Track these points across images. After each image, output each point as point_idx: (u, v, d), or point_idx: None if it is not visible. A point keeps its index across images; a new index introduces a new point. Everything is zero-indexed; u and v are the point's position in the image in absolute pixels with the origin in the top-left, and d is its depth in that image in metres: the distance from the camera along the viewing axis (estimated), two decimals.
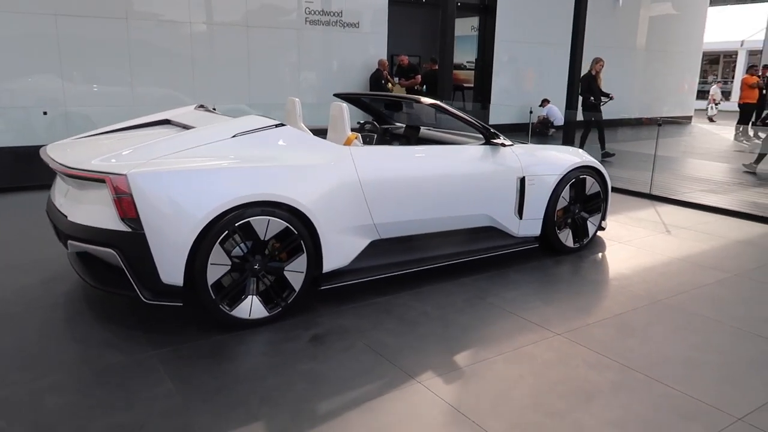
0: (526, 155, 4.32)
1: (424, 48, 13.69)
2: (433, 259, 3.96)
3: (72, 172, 3.00)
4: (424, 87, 10.94)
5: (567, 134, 10.53)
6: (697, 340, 3.22)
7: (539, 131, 12.19)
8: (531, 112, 9.59)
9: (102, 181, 2.88)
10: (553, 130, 12.08)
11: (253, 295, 3.19)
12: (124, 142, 3.37)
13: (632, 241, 5.01)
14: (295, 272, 3.28)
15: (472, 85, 13.45)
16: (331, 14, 10.08)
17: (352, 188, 3.50)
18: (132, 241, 2.89)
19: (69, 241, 3.10)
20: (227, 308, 3.12)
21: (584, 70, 9.50)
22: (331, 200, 3.39)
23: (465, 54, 13.55)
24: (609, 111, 10.04)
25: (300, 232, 3.24)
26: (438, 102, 4.24)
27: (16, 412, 2.42)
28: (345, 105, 3.86)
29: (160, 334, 3.12)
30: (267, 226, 3.13)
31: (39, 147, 3.63)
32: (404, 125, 5.19)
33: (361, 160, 3.56)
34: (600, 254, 4.71)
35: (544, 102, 12.69)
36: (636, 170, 8.29)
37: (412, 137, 4.96)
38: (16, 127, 7.47)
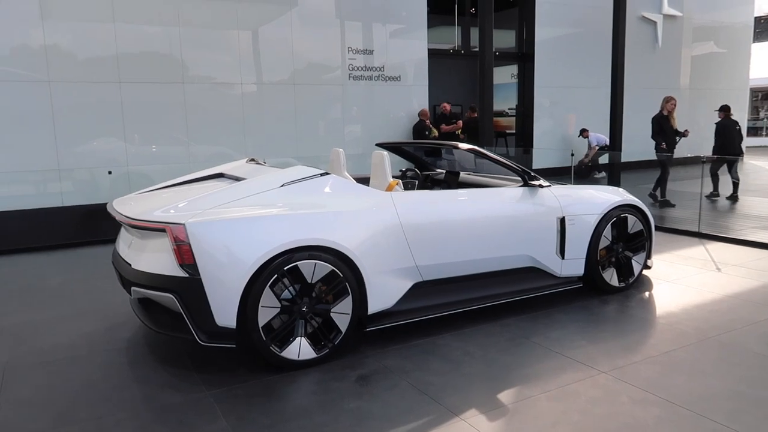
0: (565, 195, 4.39)
1: (465, 96, 14.03)
2: (475, 300, 4.02)
3: (135, 222, 3.27)
4: (464, 134, 11.16)
5: (612, 176, 10.50)
6: (748, 375, 3.15)
7: (585, 168, 12.08)
8: (573, 155, 9.59)
9: (163, 230, 3.12)
10: (602, 173, 11.97)
11: (301, 336, 3.33)
12: (182, 195, 3.65)
13: (680, 280, 4.93)
14: (342, 314, 3.41)
15: (514, 131, 13.61)
16: (374, 69, 10.52)
17: (394, 232, 3.64)
18: (189, 286, 3.09)
19: (132, 288, 3.34)
20: (277, 349, 3.26)
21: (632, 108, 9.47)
22: (375, 244, 3.54)
23: (506, 101, 13.79)
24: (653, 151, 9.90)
25: (345, 274, 3.39)
26: (475, 147, 4.39)
27: None
28: (386, 153, 4.06)
29: (215, 375, 3.29)
30: (314, 270, 3.29)
31: (103, 205, 3.95)
32: (444, 171, 5.35)
33: (402, 204, 3.72)
34: (647, 293, 4.66)
35: (584, 132, 12.58)
36: (684, 209, 8.15)
37: (452, 182, 5.10)
38: (82, 186, 8.03)
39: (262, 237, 3.18)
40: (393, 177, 4.12)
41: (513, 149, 13.43)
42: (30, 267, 6.05)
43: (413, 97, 10.94)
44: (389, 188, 3.93)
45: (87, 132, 8.04)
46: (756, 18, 17.81)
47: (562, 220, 4.31)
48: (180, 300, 3.12)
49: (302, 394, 3.12)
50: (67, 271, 5.85)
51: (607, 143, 11.14)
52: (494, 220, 4.07)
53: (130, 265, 3.35)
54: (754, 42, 17.21)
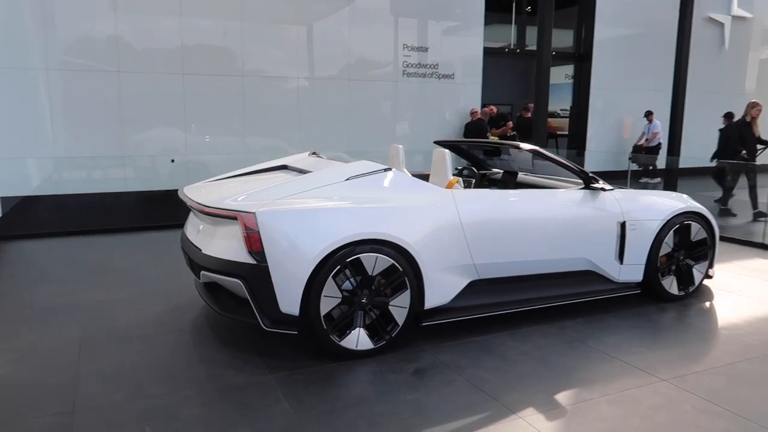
0: (627, 200, 4.32)
1: (519, 95, 13.87)
2: (531, 301, 4.01)
3: (208, 210, 3.40)
4: (516, 134, 11.04)
5: (668, 182, 10.20)
6: None
7: (640, 151, 11.73)
8: (630, 159, 9.34)
9: (234, 218, 3.24)
10: (657, 179, 11.63)
11: (360, 327, 3.41)
12: (250, 185, 3.77)
13: (743, 291, 4.79)
14: (399, 307, 3.47)
15: (565, 133, 13.38)
16: (428, 66, 10.53)
17: (454, 229, 3.67)
18: (256, 273, 3.21)
19: (201, 272, 3.48)
20: (337, 338, 3.35)
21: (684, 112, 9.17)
22: (434, 240, 3.58)
23: (558, 102, 13.58)
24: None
25: (405, 269, 3.44)
26: (537, 148, 4.37)
27: (158, 421, 2.74)
28: (447, 151, 4.09)
29: (276, 360, 3.40)
30: (375, 263, 3.36)
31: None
32: (502, 171, 5.33)
33: (462, 202, 3.75)
34: (707, 303, 4.54)
35: (649, 116, 12.06)
36: (747, 219, 7.88)
37: (509, 182, 5.09)
38: (144, 173, 8.36)
39: (328, 229, 3.27)
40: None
41: (565, 151, 13.20)
42: (98, 249, 6.34)
43: (466, 95, 10.90)
44: (449, 186, 3.95)
45: (149, 121, 8.35)
46: None
47: (623, 225, 4.25)
48: (247, 286, 3.24)
49: (360, 383, 3.19)
50: (132, 254, 6.11)
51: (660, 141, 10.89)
52: (553, 222, 4.05)
53: (200, 250, 3.50)
54: None
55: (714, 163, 8.98)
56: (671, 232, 4.40)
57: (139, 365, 3.34)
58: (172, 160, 8.20)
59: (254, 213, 3.18)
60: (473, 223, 3.74)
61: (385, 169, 3.72)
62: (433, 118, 10.77)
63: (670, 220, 4.39)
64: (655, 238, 4.35)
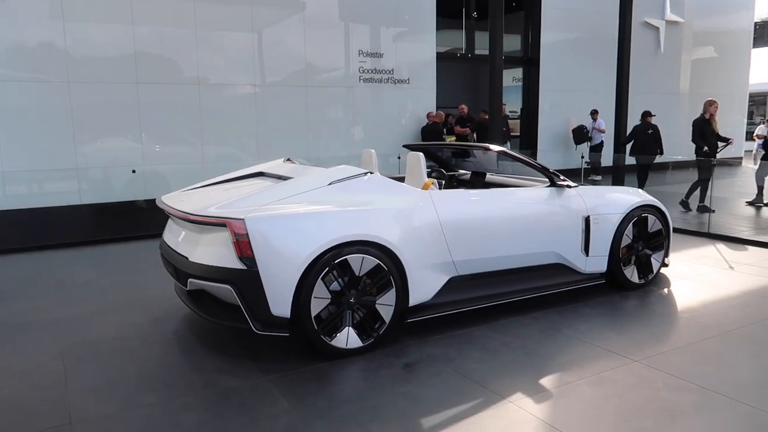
0: (590, 195, 4.59)
1: (466, 100, 14.23)
2: (507, 294, 4.21)
3: (194, 218, 3.43)
4: (475, 135, 11.38)
5: (616, 178, 10.71)
6: None
7: (591, 168, 12.26)
8: (583, 157, 9.79)
9: (223, 225, 3.29)
10: (599, 177, 12.17)
11: (349, 326, 3.50)
12: (232, 192, 3.81)
13: (696, 277, 5.14)
14: (386, 305, 3.59)
15: (517, 134, 13.83)
16: (383, 72, 10.71)
17: (433, 228, 3.83)
18: (247, 278, 3.26)
19: (189, 279, 3.50)
20: (327, 338, 3.43)
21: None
22: (415, 239, 3.72)
23: (509, 105, 14.01)
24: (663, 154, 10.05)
25: (389, 268, 3.56)
26: (505, 149, 4.59)
27: (158, 428, 2.75)
28: (421, 154, 4.24)
29: (266, 363, 3.45)
30: (362, 263, 3.47)
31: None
32: (469, 172, 5.53)
33: (440, 203, 3.90)
34: (666, 289, 4.86)
35: (594, 115, 12.70)
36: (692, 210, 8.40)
37: (478, 183, 5.29)
38: (98, 186, 8.16)
39: (316, 232, 3.36)
40: None
41: (517, 151, 13.64)
42: (56, 264, 6.16)
43: (421, 99, 11.14)
44: (425, 187, 4.10)
45: (102, 131, 8.17)
46: (755, 23, 18.11)
47: (587, 219, 4.50)
48: (237, 291, 3.28)
49: (353, 380, 3.29)
50: (93, 267, 5.97)
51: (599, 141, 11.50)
52: (525, 218, 4.26)
53: (186, 258, 3.51)
54: (754, 47, 17.51)
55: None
56: (630, 224, 4.70)
57: (128, 376, 3.33)
58: (133, 171, 8.04)
59: (243, 219, 3.24)
60: (451, 222, 3.90)
61: (366, 173, 3.83)
62: (390, 123, 10.95)
63: (629, 213, 4.68)
64: (617, 231, 4.63)
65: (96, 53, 8.06)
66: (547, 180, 4.58)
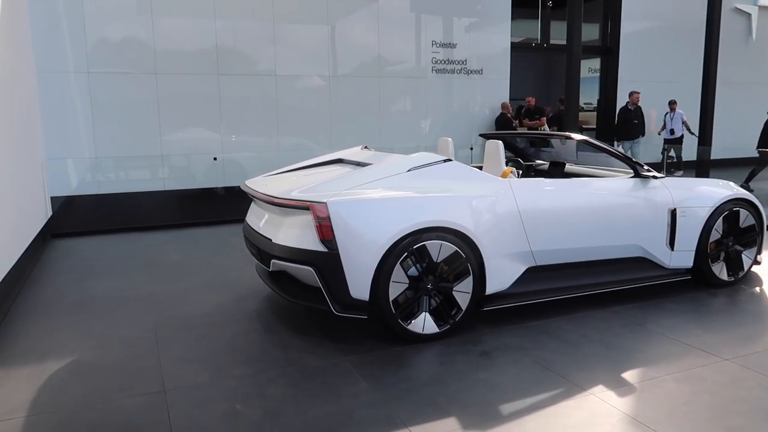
0: (677, 188, 4.40)
1: (539, 90, 13.92)
2: (585, 287, 4.11)
3: (279, 201, 3.56)
4: (547, 127, 11.12)
5: (699, 173, 10.21)
6: None
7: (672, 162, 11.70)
8: (664, 150, 9.37)
9: (305, 208, 3.39)
10: (680, 173, 11.57)
11: (426, 311, 3.54)
12: (313, 178, 3.92)
13: None
14: (462, 293, 3.60)
15: (592, 126, 13.39)
16: (456, 62, 10.63)
17: (512, 217, 3.79)
18: (328, 260, 3.35)
19: (272, 261, 3.63)
20: (404, 323, 3.48)
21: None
22: (494, 227, 3.70)
23: (582, 95, 13.57)
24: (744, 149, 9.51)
25: (467, 255, 3.57)
26: (588, 138, 4.47)
27: (247, 399, 2.89)
28: (500, 142, 4.20)
29: (346, 344, 3.54)
30: (440, 250, 3.49)
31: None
32: (547, 162, 5.43)
33: (519, 191, 3.86)
34: (757, 288, 4.60)
35: (672, 105, 11.81)
36: None
37: (557, 173, 5.18)
38: (178, 173, 8.56)
39: (395, 217, 3.40)
40: None
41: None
42: (144, 245, 6.53)
43: (495, 90, 10.98)
44: (504, 175, 4.07)
45: (184, 121, 8.56)
46: None
47: (673, 212, 4.33)
48: (318, 273, 3.38)
49: (431, 364, 3.33)
50: (178, 249, 6.30)
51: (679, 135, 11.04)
52: (606, 209, 4.14)
53: (270, 239, 3.65)
54: None
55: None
56: (720, 218, 4.47)
57: (216, 350, 3.50)
58: (215, 158, 8.40)
59: (326, 203, 3.33)
60: (530, 210, 3.85)
61: (445, 160, 3.84)
62: (462, 114, 10.86)
63: (719, 206, 4.46)
64: (705, 225, 4.42)
65: (180, 47, 8.44)
66: (630, 171, 4.42)
